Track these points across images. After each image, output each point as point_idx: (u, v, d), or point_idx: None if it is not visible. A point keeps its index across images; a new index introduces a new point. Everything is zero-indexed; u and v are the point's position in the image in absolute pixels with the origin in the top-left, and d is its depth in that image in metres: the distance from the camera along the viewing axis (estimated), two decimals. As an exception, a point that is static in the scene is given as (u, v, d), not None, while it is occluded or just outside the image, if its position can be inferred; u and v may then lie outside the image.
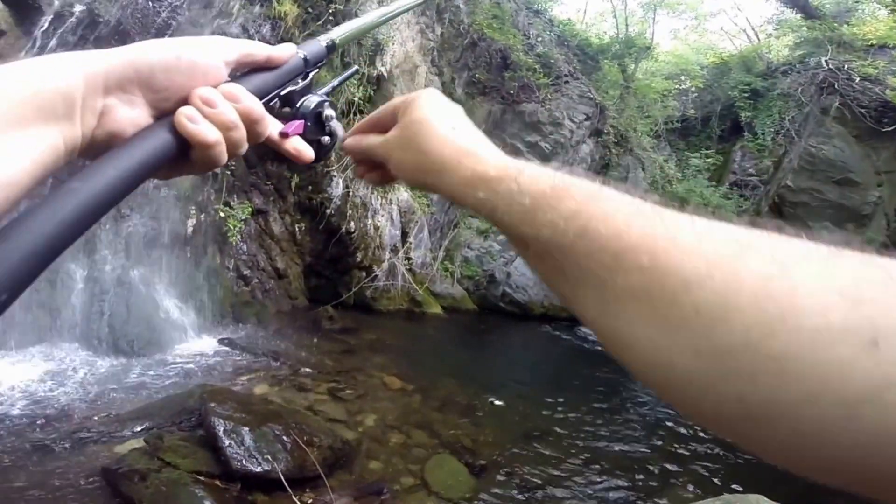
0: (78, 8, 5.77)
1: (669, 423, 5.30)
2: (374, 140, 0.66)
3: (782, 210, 8.81)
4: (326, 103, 0.63)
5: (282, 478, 3.25)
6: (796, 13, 14.87)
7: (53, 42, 5.61)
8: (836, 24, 13.44)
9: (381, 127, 0.65)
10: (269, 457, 3.38)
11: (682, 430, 5.14)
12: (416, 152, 0.57)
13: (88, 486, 3.16)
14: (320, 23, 7.83)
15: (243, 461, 3.31)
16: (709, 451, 4.74)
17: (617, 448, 4.65)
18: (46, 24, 5.62)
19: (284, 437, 3.59)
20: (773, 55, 16.23)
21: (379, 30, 8.73)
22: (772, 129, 12.85)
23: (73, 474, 3.29)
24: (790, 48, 15.29)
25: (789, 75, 13.23)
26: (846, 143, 9.02)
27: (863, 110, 10.70)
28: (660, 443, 4.84)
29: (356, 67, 0.56)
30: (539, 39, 12.11)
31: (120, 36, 6.08)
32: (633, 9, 16.70)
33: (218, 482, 3.16)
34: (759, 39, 17.77)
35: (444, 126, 0.57)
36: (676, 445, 4.81)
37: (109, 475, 3.17)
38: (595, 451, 4.56)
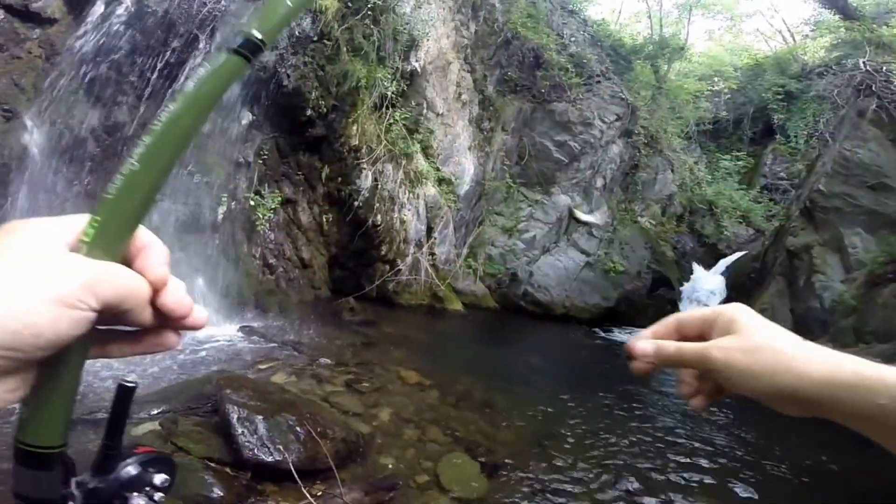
0: None
1: (687, 433, 5.19)
2: (694, 347, 0.65)
3: (813, 215, 8.55)
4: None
5: (292, 469, 3.23)
6: (834, 14, 14.48)
7: (103, 30, 5.72)
8: (875, 26, 13.05)
9: (681, 335, 0.67)
10: (282, 447, 3.37)
11: (700, 440, 5.02)
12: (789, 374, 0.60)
13: None
14: (359, 17, 7.83)
15: (255, 450, 3.31)
16: (727, 463, 4.62)
17: (632, 454, 4.56)
18: (97, 15, 5.72)
19: (298, 428, 3.57)
20: (808, 57, 15.87)
21: (414, 25, 8.72)
22: (805, 132, 12.55)
23: (83, 455, 3.30)
24: (826, 50, 14.94)
25: (825, 77, 12.89)
26: (882, 147, 8.71)
27: (900, 113, 10.30)
28: (676, 451, 4.73)
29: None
30: (572, 39, 11.98)
31: (166, 26, 6.17)
32: (668, 9, 16.46)
33: (228, 469, 3.16)
34: (794, 41, 17.40)
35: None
36: (694, 455, 4.70)
37: None
38: (610, 455, 4.47)
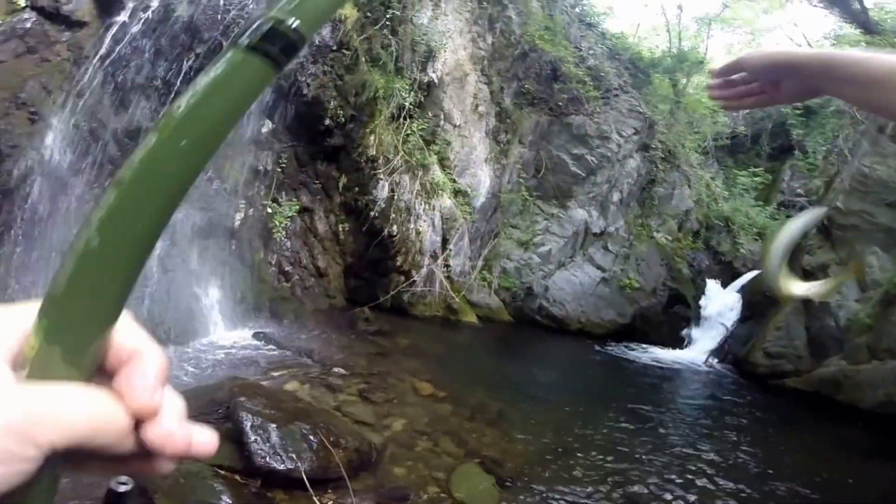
0: (154, 3, 5.96)
1: (704, 451, 5.09)
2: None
3: (831, 233, 8.43)
4: None
5: (304, 478, 3.21)
6: (855, 28, 14.38)
7: (132, 33, 5.81)
8: (896, 40, 12.92)
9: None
10: (294, 455, 3.35)
11: (712, 457, 4.92)
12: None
13: None
14: (377, 27, 7.90)
15: (267, 458, 3.28)
16: (737, 478, 4.53)
17: (643, 469, 4.48)
18: (126, 18, 5.81)
19: (311, 437, 3.55)
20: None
21: (431, 36, 8.77)
22: (824, 148, 12.41)
23: None
24: None
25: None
26: (902, 164, 8.55)
27: (922, 129, 10.15)
28: (687, 467, 4.64)
29: None
30: (590, 52, 11.98)
31: (191, 32, 6.25)
32: (687, 23, 16.43)
33: (238, 477, 3.14)
34: None
35: None
36: (705, 471, 4.61)
37: None
38: (622, 470, 4.40)
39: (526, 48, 10.72)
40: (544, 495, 3.81)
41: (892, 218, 8.12)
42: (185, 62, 6.25)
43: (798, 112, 14.22)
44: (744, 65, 1.06)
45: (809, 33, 18.62)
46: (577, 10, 13.50)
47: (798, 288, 1.03)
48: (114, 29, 5.73)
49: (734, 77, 1.08)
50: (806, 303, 8.46)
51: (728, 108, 1.21)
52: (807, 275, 8.52)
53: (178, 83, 6.27)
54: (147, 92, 6.21)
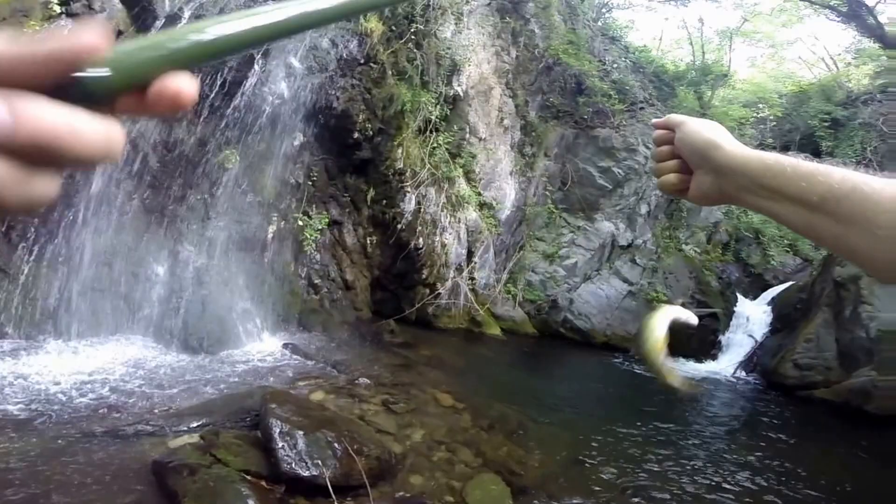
0: (187, 13, 6.24)
1: (727, 463, 5.08)
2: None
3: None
4: None
5: (328, 484, 3.33)
6: (873, 42, 14.16)
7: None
8: (916, 53, 12.67)
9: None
10: (319, 462, 3.47)
11: (727, 472, 4.91)
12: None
13: (135, 478, 3.31)
14: (402, 41, 8.09)
15: (293, 464, 3.42)
16: (752, 492, 4.51)
17: (660, 483, 4.50)
18: (159, 27, 6.09)
19: (336, 445, 3.67)
20: (852, 84, 15.52)
21: (455, 50, 8.93)
22: (853, 160, 12.20)
23: (122, 464, 3.45)
24: (870, 77, 14.57)
25: (870, 105, 12.53)
26: (929, 176, 8.36)
27: (947, 140, 9.96)
28: (702, 482, 4.64)
29: None
30: (615, 66, 12.02)
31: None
32: (709, 36, 16.37)
33: (264, 483, 3.29)
34: (837, 68, 17.02)
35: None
36: (732, 488, 4.60)
37: (159, 468, 3.31)
38: (639, 484, 4.43)
39: (550, 62, 10.81)
40: (560, 506, 3.88)
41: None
42: (218, 75, 6.50)
43: (826, 124, 14.01)
44: (675, 131, 0.86)
45: (830, 47, 18.39)
46: (599, 23, 13.59)
47: (676, 380, 1.09)
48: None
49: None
50: (837, 314, 8.36)
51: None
52: (838, 286, 8.40)
53: (212, 96, 6.52)
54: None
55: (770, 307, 10.52)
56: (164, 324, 6.16)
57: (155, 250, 6.38)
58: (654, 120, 0.91)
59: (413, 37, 8.23)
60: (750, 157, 0.74)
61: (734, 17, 16.94)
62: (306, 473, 3.41)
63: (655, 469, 4.76)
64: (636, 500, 4.17)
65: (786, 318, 9.72)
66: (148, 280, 6.29)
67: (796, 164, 0.69)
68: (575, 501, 3.96)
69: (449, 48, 8.83)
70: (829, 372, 7.98)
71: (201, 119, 6.59)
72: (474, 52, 9.41)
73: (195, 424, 4.02)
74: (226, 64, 6.54)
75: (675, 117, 0.88)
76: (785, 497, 4.52)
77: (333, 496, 3.32)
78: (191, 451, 3.40)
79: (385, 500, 3.46)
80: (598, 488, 4.24)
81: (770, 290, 11.23)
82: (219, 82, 6.53)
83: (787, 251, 12.49)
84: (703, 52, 15.45)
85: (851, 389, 7.40)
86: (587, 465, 4.64)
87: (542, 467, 4.43)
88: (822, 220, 0.65)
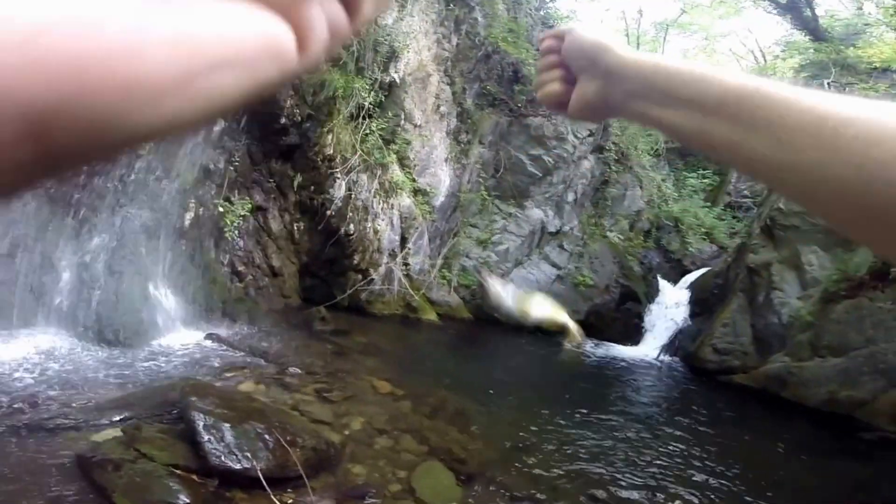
0: None
1: (659, 442, 5.21)
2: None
3: (773, 233, 8.70)
4: None
5: (261, 476, 3.15)
6: (806, 35, 14.99)
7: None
8: (842, 47, 13.53)
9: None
10: (250, 454, 3.29)
11: (670, 450, 5.04)
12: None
13: (62, 473, 3.08)
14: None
15: (222, 457, 3.21)
16: (694, 472, 4.64)
17: (603, 464, 4.55)
18: None
19: (266, 436, 3.49)
20: (777, 77, 16.44)
21: (395, 37, 8.71)
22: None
23: (47, 459, 3.21)
24: (795, 70, 15.43)
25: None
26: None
27: (862, 134, 10.67)
28: (645, 462, 4.73)
29: None
30: (551, 54, 12.13)
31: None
32: (646, 28, 16.86)
33: (195, 477, 3.06)
34: (765, 61, 17.94)
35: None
36: (664, 464, 4.71)
37: (83, 463, 3.09)
38: (582, 465, 4.46)
39: (489, 50, 10.77)
40: (506, 490, 3.83)
41: (830, 219, 8.42)
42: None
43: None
44: (564, 40, 0.82)
45: (762, 39, 19.36)
46: (541, 13, 13.68)
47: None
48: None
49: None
50: (751, 300, 8.72)
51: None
52: (751, 272, 8.80)
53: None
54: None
55: (689, 291, 10.92)
56: (76, 316, 5.70)
57: (62, 241, 5.88)
58: (542, 33, 0.85)
59: (351, 24, 7.95)
60: (643, 60, 0.67)
61: (673, 9, 17.49)
62: (238, 466, 3.22)
63: (591, 452, 4.80)
64: (578, 482, 4.19)
65: (704, 303, 10.10)
66: (55, 271, 5.80)
67: (693, 66, 0.61)
68: (521, 484, 3.92)
69: (388, 35, 8.59)
70: (745, 357, 8.21)
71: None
72: (415, 39, 9.21)
73: (116, 418, 3.72)
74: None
75: (564, 27, 0.83)
76: (704, 483, 4.65)
77: (268, 488, 3.13)
78: (114, 446, 3.16)
79: (327, 490, 3.29)
80: (539, 472, 4.23)
81: (689, 276, 11.68)
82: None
83: (704, 239, 13.04)
84: (639, 45, 15.89)
85: (768, 376, 7.57)
86: (528, 448, 4.63)
87: (486, 452, 4.38)
88: (718, 125, 0.56)
